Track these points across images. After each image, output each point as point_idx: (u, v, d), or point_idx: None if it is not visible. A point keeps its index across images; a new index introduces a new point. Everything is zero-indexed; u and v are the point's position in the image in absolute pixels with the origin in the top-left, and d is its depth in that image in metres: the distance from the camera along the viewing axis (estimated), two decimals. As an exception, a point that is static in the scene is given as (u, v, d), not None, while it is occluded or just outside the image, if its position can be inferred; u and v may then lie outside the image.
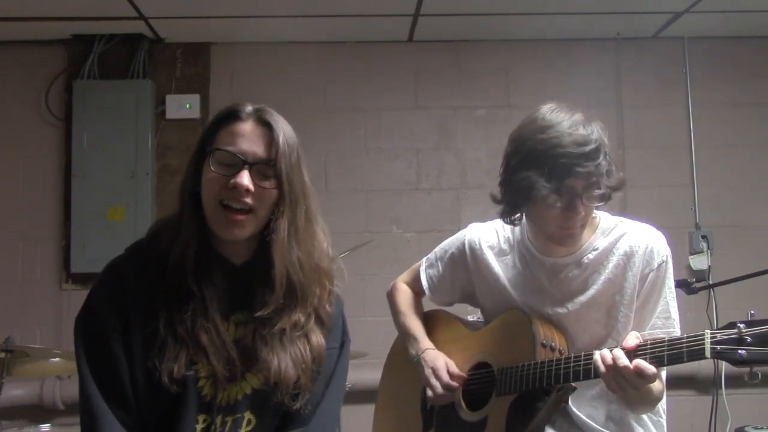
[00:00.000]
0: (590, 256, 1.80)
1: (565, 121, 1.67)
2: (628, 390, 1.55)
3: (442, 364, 1.92)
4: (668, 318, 1.77)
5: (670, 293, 1.80)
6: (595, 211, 1.84)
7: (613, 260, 1.78)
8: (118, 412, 1.43)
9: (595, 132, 1.66)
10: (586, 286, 1.80)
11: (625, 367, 1.52)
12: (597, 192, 1.66)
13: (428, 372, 1.92)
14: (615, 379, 1.55)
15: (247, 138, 1.47)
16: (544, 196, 1.64)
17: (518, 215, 1.80)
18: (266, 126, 1.49)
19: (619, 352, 1.55)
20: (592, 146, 1.64)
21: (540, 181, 1.64)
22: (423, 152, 3.96)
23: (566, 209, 1.67)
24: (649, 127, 3.98)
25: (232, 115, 1.49)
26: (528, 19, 3.76)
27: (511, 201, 1.77)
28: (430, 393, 1.92)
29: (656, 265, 1.77)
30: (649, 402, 1.72)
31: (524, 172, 1.68)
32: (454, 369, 1.91)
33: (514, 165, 1.72)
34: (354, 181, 3.92)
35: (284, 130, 1.50)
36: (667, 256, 1.79)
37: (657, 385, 1.66)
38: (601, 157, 1.65)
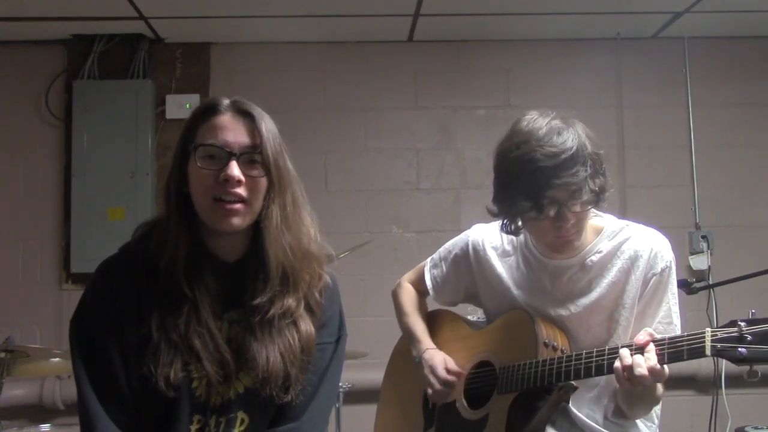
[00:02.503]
0: (594, 258, 1.79)
1: (539, 131, 1.64)
2: (636, 385, 1.55)
3: (440, 361, 1.94)
4: (670, 323, 1.77)
5: (673, 299, 1.79)
6: (601, 214, 1.84)
7: (618, 264, 1.78)
8: (115, 414, 1.43)
9: (569, 139, 1.63)
10: (589, 288, 1.79)
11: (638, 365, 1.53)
12: (581, 198, 1.65)
13: (427, 370, 1.95)
14: (625, 374, 1.55)
15: (229, 129, 1.46)
16: (526, 212, 1.65)
17: (518, 226, 1.80)
18: (246, 115, 1.48)
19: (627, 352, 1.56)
20: (566, 155, 1.61)
21: (520, 198, 1.64)
22: (423, 152, 3.96)
23: (555, 219, 1.66)
24: (649, 127, 3.98)
25: (209, 110, 1.49)
26: (528, 19, 3.76)
27: (504, 216, 1.78)
28: (429, 390, 1.94)
29: (659, 270, 1.76)
30: (649, 402, 1.72)
31: (506, 189, 1.70)
32: (452, 366, 1.93)
33: (498, 183, 1.74)
34: (354, 181, 3.91)
35: (264, 117, 1.50)
36: (671, 261, 1.78)
37: (659, 387, 1.66)
38: (579, 164, 1.62)
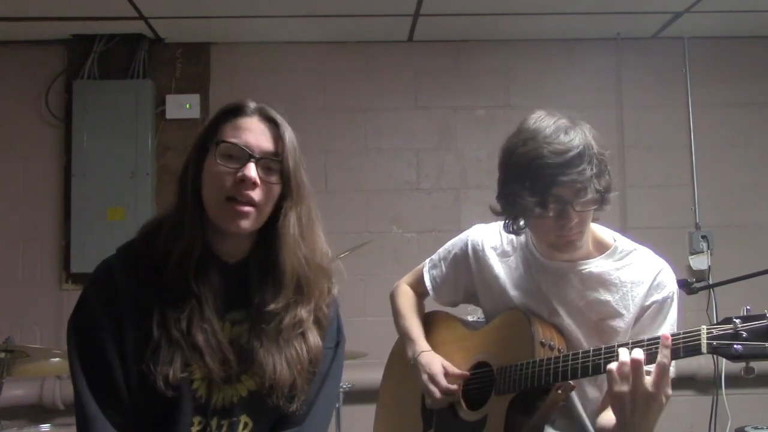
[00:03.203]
0: (593, 270, 1.78)
1: (546, 129, 1.64)
2: (632, 385, 1.51)
3: (438, 368, 1.92)
4: None
5: (670, 331, 1.73)
6: (614, 234, 1.83)
7: (617, 286, 1.77)
8: (112, 415, 1.42)
9: (577, 138, 1.63)
10: (581, 300, 1.78)
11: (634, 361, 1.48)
12: (587, 197, 1.64)
13: (425, 378, 1.92)
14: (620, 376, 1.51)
15: (253, 132, 1.47)
16: (530, 209, 1.64)
17: (520, 226, 1.80)
18: (271, 122, 1.49)
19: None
20: (573, 153, 1.61)
21: (525, 195, 1.63)
22: (423, 152, 3.96)
23: (559, 218, 1.65)
24: (649, 127, 3.98)
25: (236, 110, 1.49)
26: (528, 19, 3.76)
27: (508, 214, 1.77)
28: (428, 399, 1.93)
29: (660, 299, 1.75)
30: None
31: (511, 186, 1.68)
32: (453, 369, 1.91)
33: (503, 179, 1.73)
34: (354, 181, 3.92)
35: (288, 127, 1.51)
36: (673, 293, 1.77)
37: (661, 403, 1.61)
38: (585, 162, 1.62)
